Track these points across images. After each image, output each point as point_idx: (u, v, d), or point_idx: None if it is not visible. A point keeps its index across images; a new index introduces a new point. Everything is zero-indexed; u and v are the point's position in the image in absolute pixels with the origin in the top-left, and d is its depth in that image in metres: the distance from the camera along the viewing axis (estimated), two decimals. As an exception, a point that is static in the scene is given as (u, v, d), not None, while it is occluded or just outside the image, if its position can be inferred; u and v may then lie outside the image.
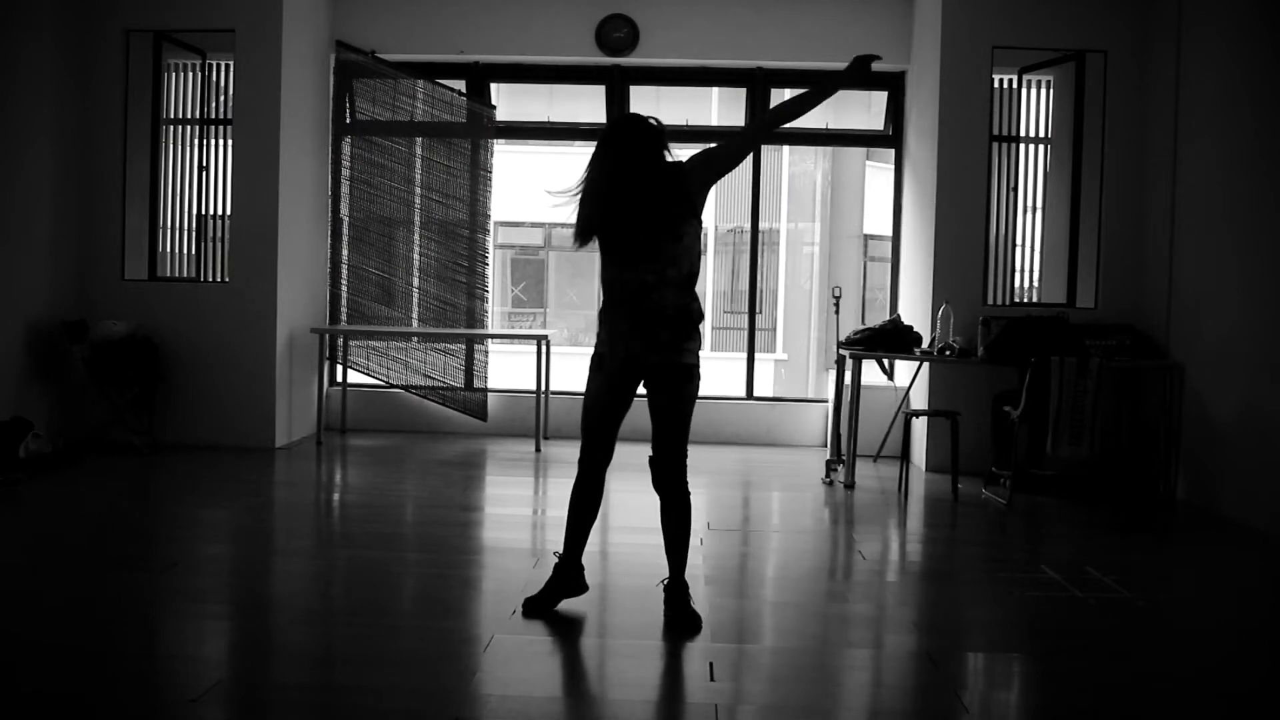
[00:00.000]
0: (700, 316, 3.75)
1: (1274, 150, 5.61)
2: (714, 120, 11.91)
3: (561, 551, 3.93)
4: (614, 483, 6.47)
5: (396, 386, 8.04)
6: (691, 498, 3.83)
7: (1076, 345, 6.14)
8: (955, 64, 7.00)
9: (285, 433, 7.36)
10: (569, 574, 3.92)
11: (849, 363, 6.58)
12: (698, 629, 3.71)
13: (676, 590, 3.81)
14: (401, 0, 7.91)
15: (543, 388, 7.64)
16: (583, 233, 3.69)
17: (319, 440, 7.48)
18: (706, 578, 4.44)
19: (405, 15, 7.91)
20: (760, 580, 4.79)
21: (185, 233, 7.60)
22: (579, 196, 3.72)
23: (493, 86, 8.31)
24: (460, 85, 8.07)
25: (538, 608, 3.86)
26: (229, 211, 7.28)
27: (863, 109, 10.32)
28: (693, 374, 3.73)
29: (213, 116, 7.59)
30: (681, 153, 3.85)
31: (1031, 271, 7.62)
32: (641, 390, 3.81)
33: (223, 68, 7.51)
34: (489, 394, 8.07)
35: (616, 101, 8.02)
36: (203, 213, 7.51)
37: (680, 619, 3.75)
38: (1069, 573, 4.63)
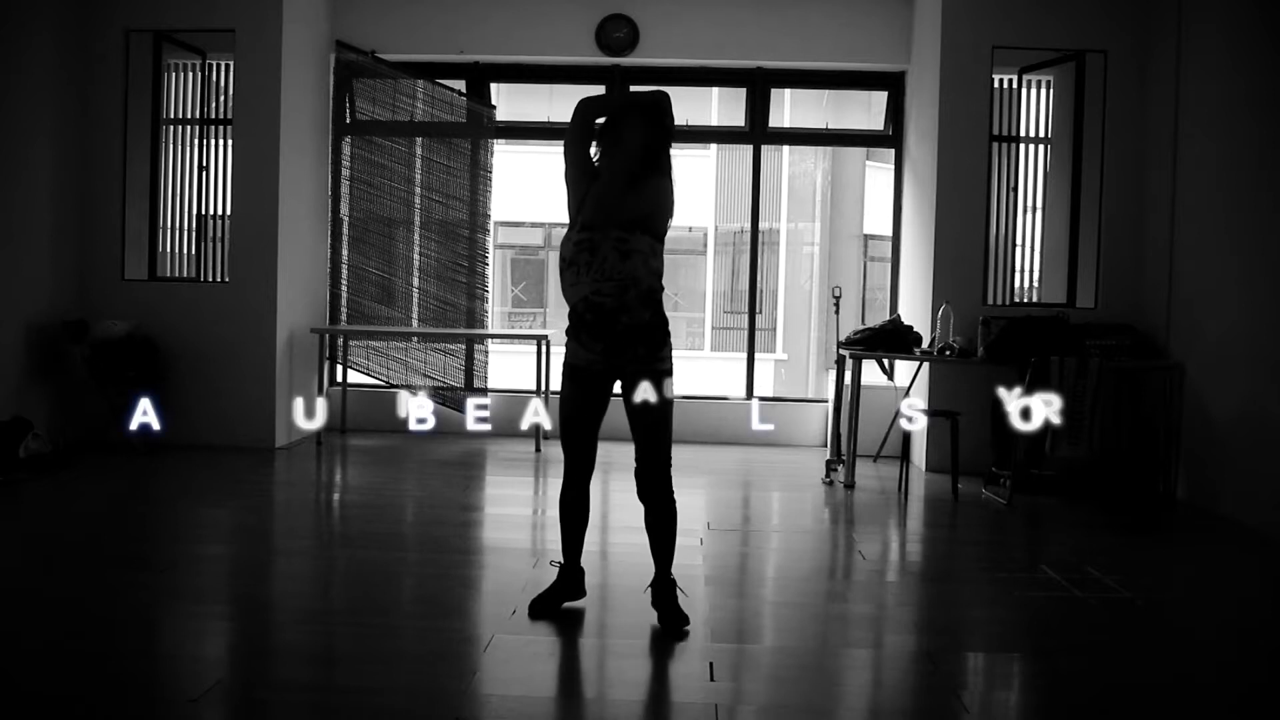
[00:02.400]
0: (666, 322, 3.76)
1: (1274, 150, 5.61)
2: (714, 120, 11.92)
3: (561, 560, 3.97)
4: (614, 483, 6.49)
5: (396, 386, 8.03)
6: (677, 503, 3.84)
7: (1076, 345, 6.14)
8: (955, 64, 7.00)
9: (285, 433, 7.36)
10: (571, 578, 3.96)
11: (849, 363, 6.58)
12: (680, 625, 3.72)
13: (661, 587, 3.84)
14: (401, 0, 7.91)
15: (543, 388, 7.64)
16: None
17: (319, 440, 7.47)
18: (706, 578, 4.44)
19: (405, 15, 7.91)
20: (760, 580, 4.79)
21: (185, 233, 7.60)
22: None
23: (493, 86, 8.31)
24: (460, 85, 8.07)
25: (541, 608, 3.88)
26: (229, 211, 7.28)
27: (863, 109, 10.32)
28: (666, 374, 3.73)
29: (213, 116, 7.59)
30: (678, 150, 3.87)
31: (1031, 271, 7.62)
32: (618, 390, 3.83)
33: (223, 68, 7.51)
34: (489, 394, 8.07)
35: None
36: (203, 213, 7.52)
37: (668, 618, 3.76)
38: (1069, 573, 4.63)
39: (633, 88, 8.06)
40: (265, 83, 7.12)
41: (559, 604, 3.91)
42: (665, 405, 3.73)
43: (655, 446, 3.75)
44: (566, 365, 3.80)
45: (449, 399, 8.01)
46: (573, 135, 3.81)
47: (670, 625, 3.74)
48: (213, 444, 7.10)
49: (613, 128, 3.77)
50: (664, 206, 3.74)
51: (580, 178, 3.79)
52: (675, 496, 3.83)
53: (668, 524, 3.83)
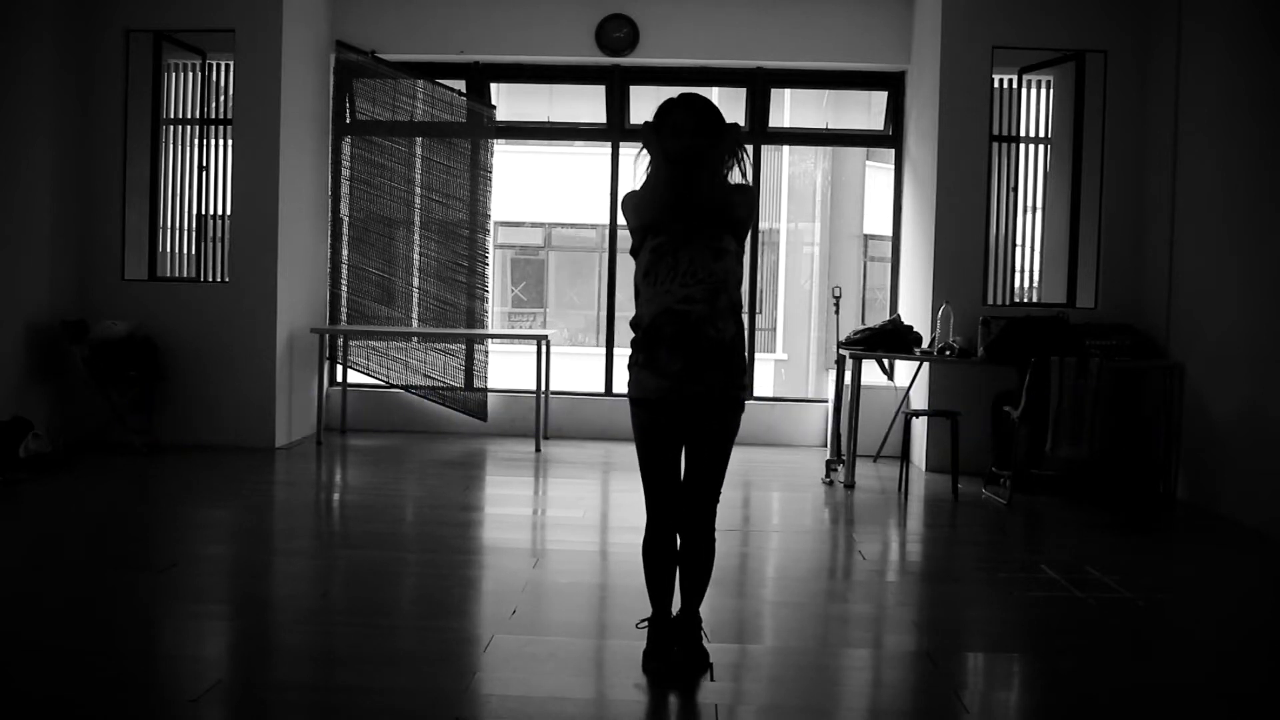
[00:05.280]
0: (744, 343, 3.38)
1: (1274, 150, 5.61)
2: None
3: (647, 618, 3.45)
4: (614, 482, 6.50)
5: (396, 386, 8.03)
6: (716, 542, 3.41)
7: (1076, 345, 6.14)
8: (955, 64, 7.00)
9: (285, 433, 7.36)
10: (665, 629, 3.42)
11: (849, 363, 6.58)
12: (705, 668, 3.36)
13: (689, 624, 3.40)
14: (401, 0, 7.91)
15: (543, 388, 7.64)
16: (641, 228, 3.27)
17: (319, 440, 7.47)
18: (706, 578, 4.43)
19: (405, 15, 7.91)
20: (760, 580, 4.79)
21: (185, 233, 7.60)
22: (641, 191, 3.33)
23: (493, 86, 8.31)
24: (460, 85, 8.07)
25: (656, 664, 3.39)
26: (229, 211, 7.28)
27: (863, 109, 10.32)
28: (741, 405, 3.35)
29: (213, 116, 7.59)
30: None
31: (1031, 271, 7.62)
32: None
33: (223, 68, 7.51)
34: (489, 394, 8.07)
35: (616, 101, 8.02)
36: (203, 213, 7.52)
37: (689, 655, 3.37)
38: (1069, 573, 4.63)
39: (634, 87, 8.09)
40: (265, 83, 7.12)
41: (669, 654, 3.38)
42: (731, 435, 3.35)
43: (711, 478, 3.33)
44: (633, 399, 3.33)
45: (448, 399, 8.02)
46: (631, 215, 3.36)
47: (692, 662, 3.36)
48: (213, 444, 7.10)
49: (663, 125, 3.30)
50: (743, 198, 3.33)
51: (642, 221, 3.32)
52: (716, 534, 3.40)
53: (706, 560, 3.38)
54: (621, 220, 3.47)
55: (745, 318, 3.44)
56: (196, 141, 7.53)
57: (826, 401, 7.89)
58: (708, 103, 3.34)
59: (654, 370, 3.24)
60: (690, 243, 3.22)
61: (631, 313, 3.38)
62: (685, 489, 3.35)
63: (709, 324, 3.21)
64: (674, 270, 3.21)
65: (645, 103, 8.30)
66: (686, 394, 3.24)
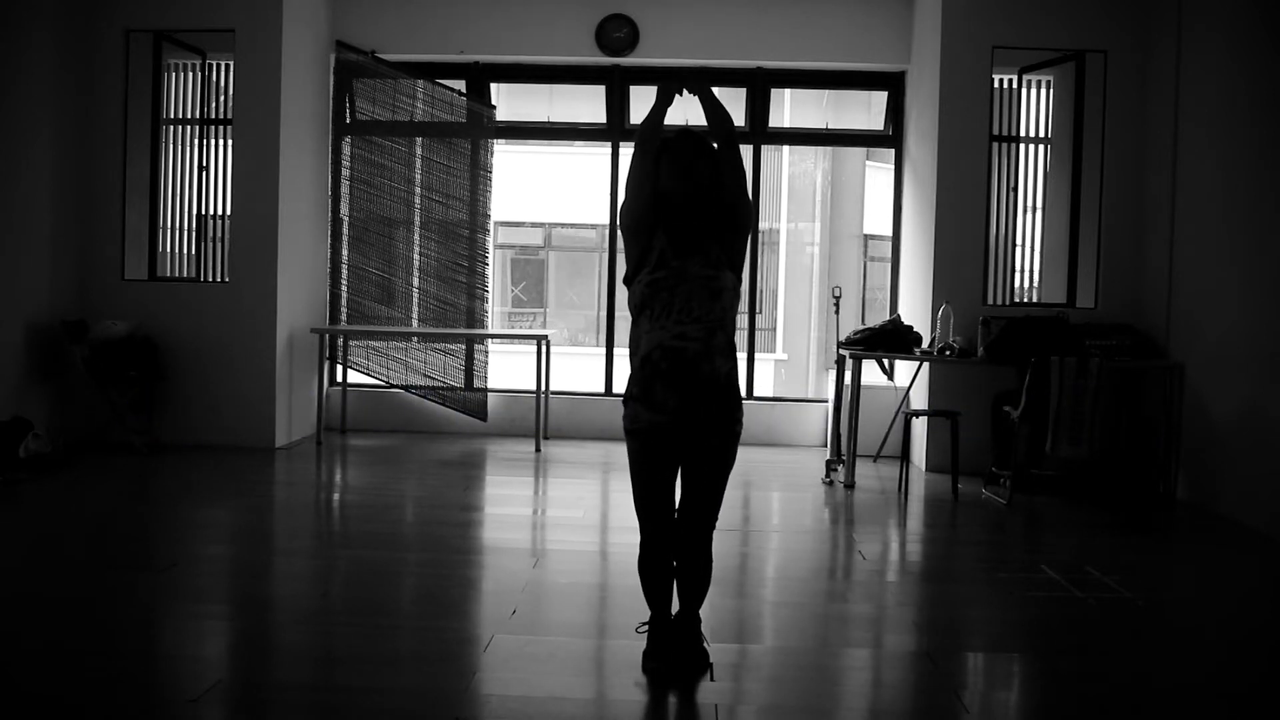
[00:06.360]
0: (737, 375, 3.36)
1: (1274, 150, 5.61)
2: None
3: (649, 619, 3.45)
4: (614, 483, 6.49)
5: (396, 386, 8.03)
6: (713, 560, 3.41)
7: (1076, 345, 6.14)
8: (955, 64, 7.00)
9: (285, 433, 7.36)
10: (664, 630, 3.42)
11: (849, 363, 6.58)
12: (705, 668, 3.37)
13: (688, 624, 3.40)
14: (401, 0, 7.91)
15: (543, 388, 7.64)
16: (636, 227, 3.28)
17: (319, 440, 7.47)
18: (706, 578, 4.43)
19: (405, 15, 7.91)
20: (760, 580, 4.79)
21: (185, 233, 7.60)
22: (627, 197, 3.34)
23: (493, 86, 8.30)
24: (460, 85, 8.07)
25: (657, 661, 3.39)
26: (229, 211, 7.28)
27: (863, 109, 10.32)
28: (737, 436, 3.34)
29: (213, 116, 7.59)
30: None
31: (1031, 271, 7.62)
32: None
33: (223, 68, 7.51)
34: (489, 394, 8.08)
35: (616, 101, 8.02)
36: (203, 213, 7.52)
37: (689, 656, 3.37)
38: (1069, 573, 4.63)
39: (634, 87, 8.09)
40: (265, 83, 7.12)
41: (669, 654, 3.37)
42: (729, 464, 3.34)
43: (707, 503, 3.34)
44: (629, 431, 3.31)
45: (449, 399, 8.01)
46: (638, 171, 3.33)
47: (692, 662, 3.36)
48: (213, 444, 7.10)
49: (667, 157, 3.30)
50: (743, 232, 3.33)
51: (643, 219, 3.29)
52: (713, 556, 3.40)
53: (703, 574, 3.39)
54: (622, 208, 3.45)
55: (745, 314, 3.45)
56: (196, 141, 7.53)
57: (826, 401, 7.89)
58: (702, 142, 3.33)
59: (649, 405, 3.24)
60: (687, 280, 3.22)
61: (631, 313, 3.38)
62: (681, 514, 3.36)
63: (705, 360, 3.21)
64: (669, 308, 3.22)
65: (645, 103, 8.29)
66: (683, 423, 3.24)
